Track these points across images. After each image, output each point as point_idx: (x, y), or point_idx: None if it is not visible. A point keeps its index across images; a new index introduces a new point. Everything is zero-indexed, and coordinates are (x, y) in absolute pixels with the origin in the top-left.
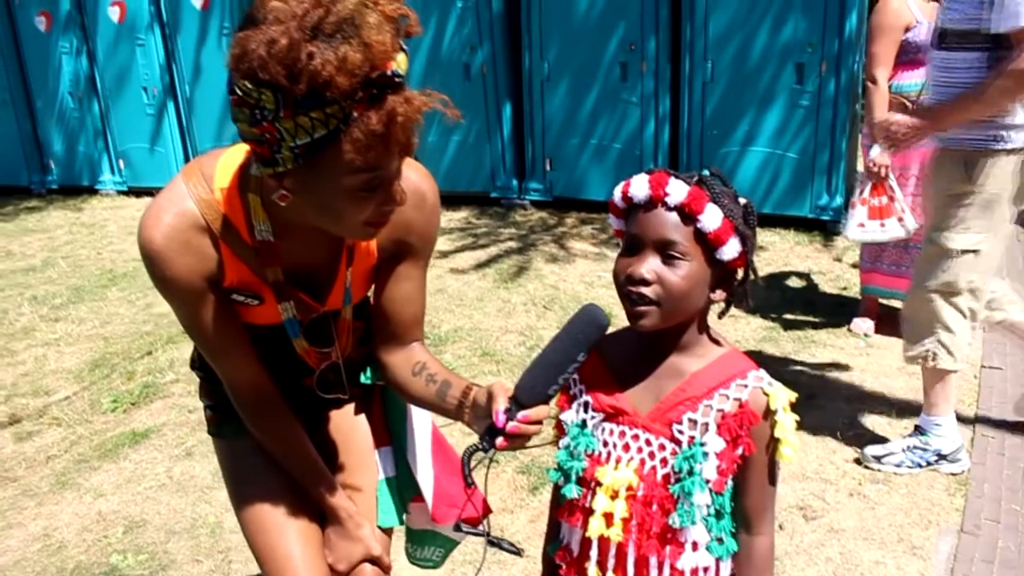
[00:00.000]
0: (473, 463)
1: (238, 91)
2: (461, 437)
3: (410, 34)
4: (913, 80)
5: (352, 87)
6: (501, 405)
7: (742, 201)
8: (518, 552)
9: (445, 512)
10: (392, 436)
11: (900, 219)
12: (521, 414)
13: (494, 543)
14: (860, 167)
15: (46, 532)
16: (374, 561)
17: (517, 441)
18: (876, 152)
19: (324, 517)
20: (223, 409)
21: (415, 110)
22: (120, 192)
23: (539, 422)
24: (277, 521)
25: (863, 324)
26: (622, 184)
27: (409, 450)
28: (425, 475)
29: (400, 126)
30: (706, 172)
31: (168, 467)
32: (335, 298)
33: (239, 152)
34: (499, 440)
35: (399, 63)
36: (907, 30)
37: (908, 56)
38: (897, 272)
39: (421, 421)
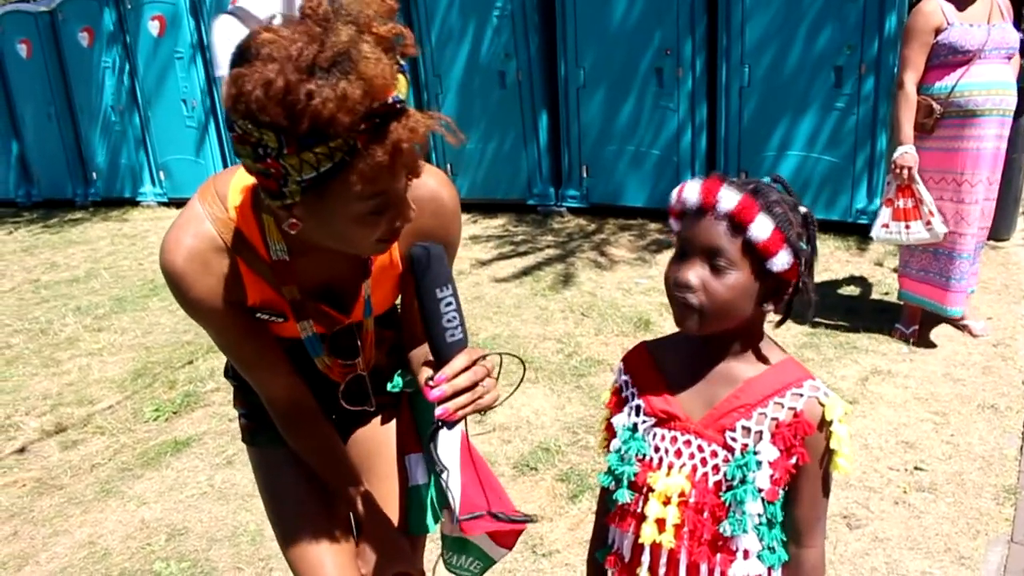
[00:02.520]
0: (440, 444)
1: (238, 129)
2: (499, 445)
3: (406, 54)
4: (944, 83)
5: (354, 122)
6: (423, 379)
7: (802, 210)
8: (530, 519)
9: (471, 524)
10: (423, 443)
11: (928, 223)
12: (437, 376)
13: (500, 518)
14: None
15: (91, 539)
16: (408, 573)
17: (462, 402)
18: (898, 153)
19: (358, 527)
20: (257, 418)
21: (419, 136)
22: (161, 203)
23: (467, 369)
24: (311, 530)
25: (906, 330)
26: (678, 187)
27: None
28: (453, 485)
29: (405, 153)
30: (766, 179)
31: (209, 475)
32: (360, 310)
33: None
34: (439, 411)
35: (399, 88)
36: (938, 32)
37: (940, 59)
38: (924, 278)
39: (451, 430)
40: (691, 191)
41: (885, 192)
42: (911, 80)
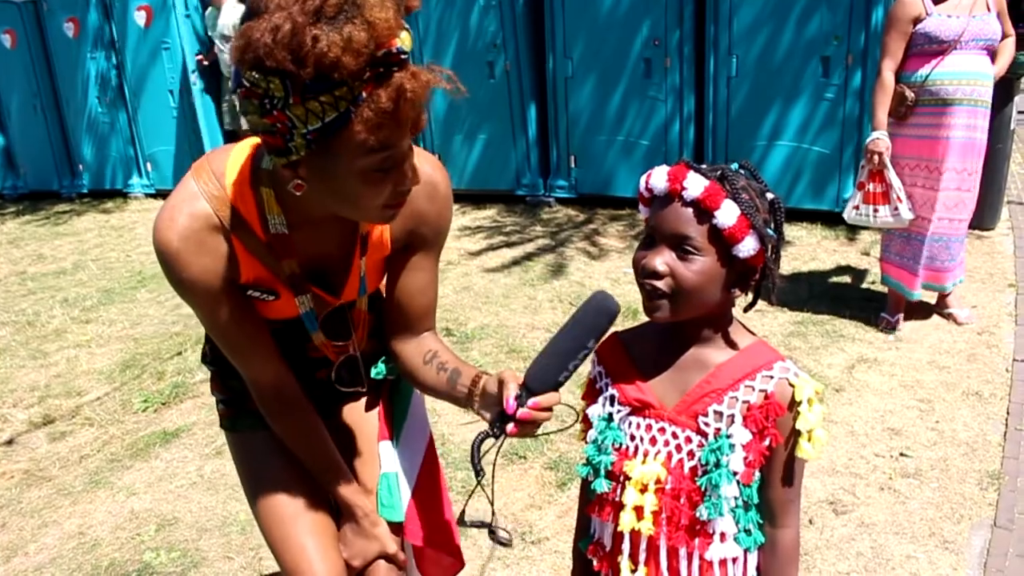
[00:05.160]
0: (484, 449)
1: (246, 83)
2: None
3: (410, 9)
4: (919, 71)
5: (359, 67)
6: (512, 392)
7: (769, 196)
8: (507, 543)
9: (413, 530)
10: (392, 435)
11: (895, 208)
12: (531, 401)
13: (491, 530)
14: None
15: (81, 530)
16: (389, 558)
17: (527, 428)
18: (871, 139)
19: (339, 512)
20: (236, 404)
21: (422, 85)
22: (148, 195)
23: (549, 409)
24: (291, 513)
25: (891, 319)
26: (646, 174)
27: (400, 456)
28: (404, 488)
29: (409, 102)
30: (734, 165)
31: (199, 465)
32: (350, 290)
33: (248, 147)
34: (510, 426)
35: (403, 40)
36: (917, 22)
37: (917, 48)
38: (901, 263)
39: (420, 431)
40: (658, 178)
41: (858, 175)
42: (888, 68)
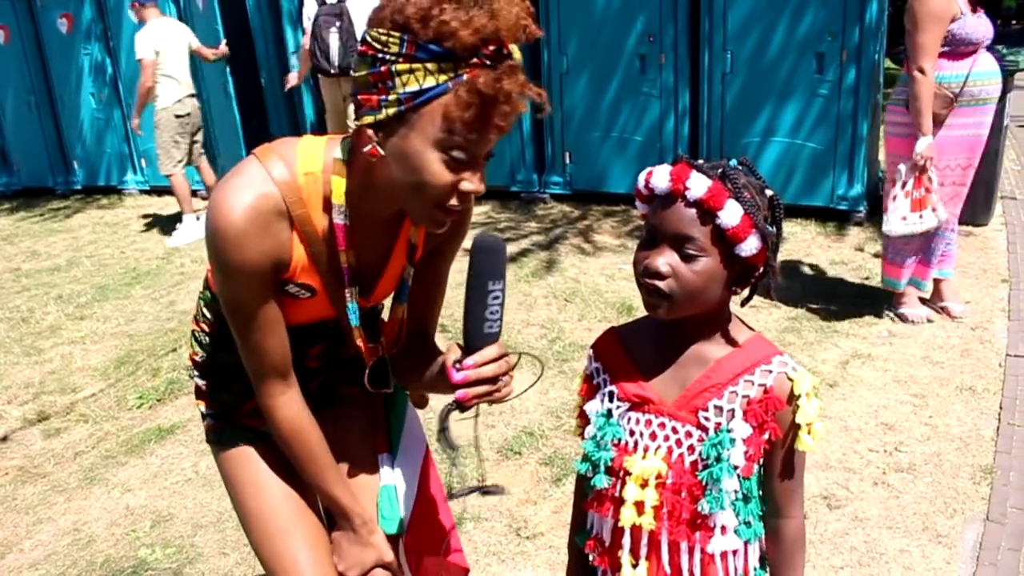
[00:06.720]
0: (451, 423)
1: (368, 38)
2: (484, 429)
3: (530, 37)
4: (954, 71)
5: (472, 45)
6: (451, 361)
7: (768, 193)
8: (499, 491)
9: (413, 542)
10: (390, 447)
11: (934, 209)
12: (468, 361)
13: (483, 491)
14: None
15: (76, 526)
16: (386, 567)
17: (479, 389)
18: (923, 145)
19: (331, 522)
20: (224, 417)
21: (520, 88)
22: (143, 191)
23: (495, 361)
24: (282, 526)
25: (917, 310)
26: (646, 172)
27: (398, 469)
28: (404, 501)
29: (504, 101)
30: (733, 162)
31: (194, 462)
32: (379, 293)
33: (316, 139)
34: (459, 393)
35: (515, 51)
36: (952, 21)
37: (950, 47)
38: (920, 259)
39: (416, 444)
40: (660, 177)
41: (900, 184)
42: (931, 67)
